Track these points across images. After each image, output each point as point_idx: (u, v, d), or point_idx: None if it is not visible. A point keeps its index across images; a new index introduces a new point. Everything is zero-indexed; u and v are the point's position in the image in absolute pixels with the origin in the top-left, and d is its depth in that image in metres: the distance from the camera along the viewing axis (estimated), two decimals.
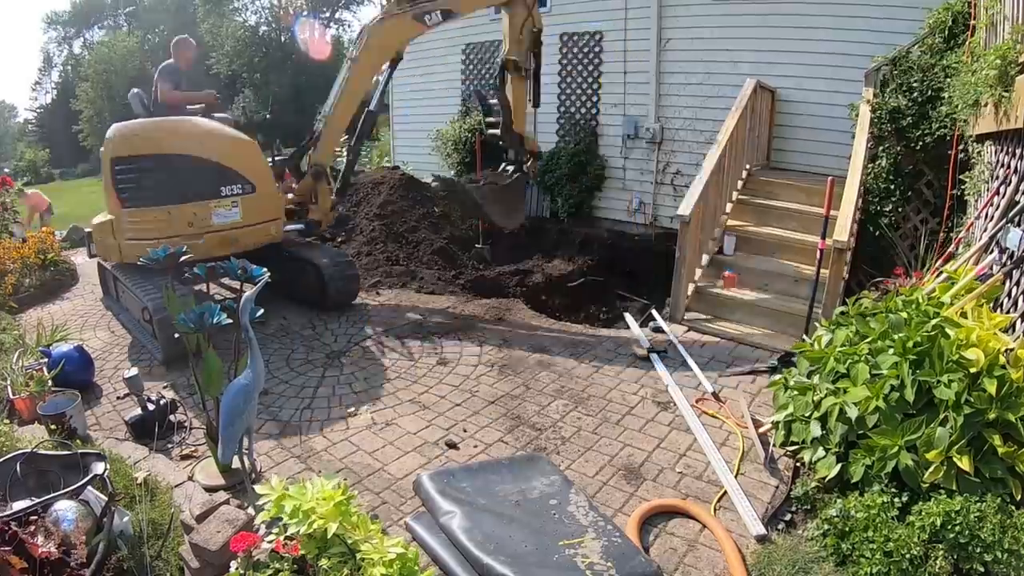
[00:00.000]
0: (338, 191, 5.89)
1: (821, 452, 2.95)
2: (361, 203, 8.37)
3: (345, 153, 5.99)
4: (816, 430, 3.01)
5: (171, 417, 3.63)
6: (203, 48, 23.89)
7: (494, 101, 5.78)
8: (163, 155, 4.53)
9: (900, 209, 5.30)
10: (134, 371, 3.70)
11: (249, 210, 4.86)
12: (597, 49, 8.19)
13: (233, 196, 4.71)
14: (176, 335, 3.61)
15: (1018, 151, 3.47)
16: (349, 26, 28.47)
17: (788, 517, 2.85)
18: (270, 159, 5.68)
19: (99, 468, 2.63)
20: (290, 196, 5.63)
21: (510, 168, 6.13)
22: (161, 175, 4.47)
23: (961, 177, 4.46)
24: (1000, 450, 2.51)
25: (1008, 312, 3.20)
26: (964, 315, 3.03)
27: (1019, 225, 3.26)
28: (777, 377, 3.63)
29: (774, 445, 3.31)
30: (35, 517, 2.32)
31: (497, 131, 5.85)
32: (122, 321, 5.21)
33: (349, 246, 7.39)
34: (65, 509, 2.40)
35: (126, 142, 4.66)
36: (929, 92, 5.02)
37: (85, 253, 7.29)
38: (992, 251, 3.45)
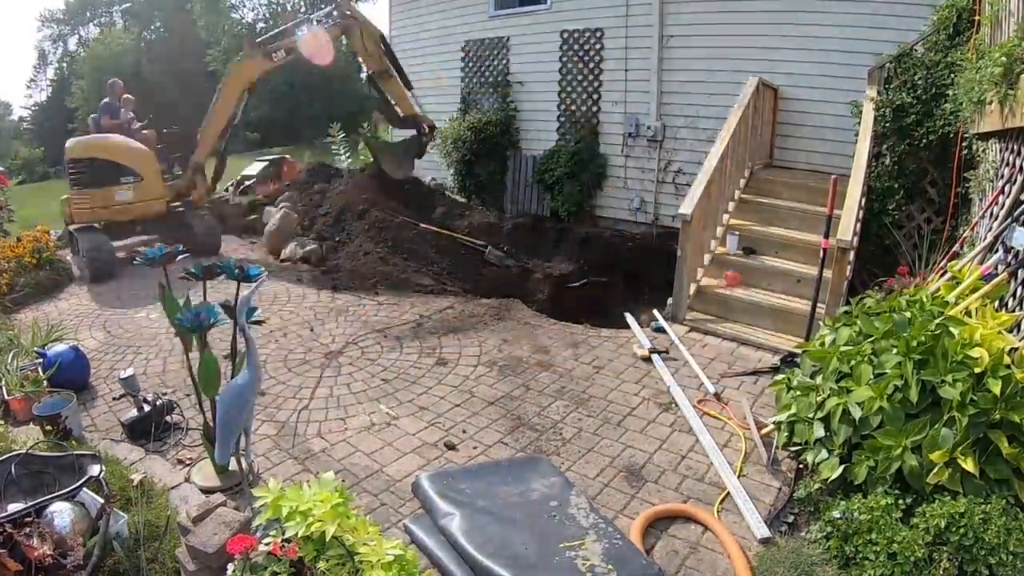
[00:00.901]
0: (213, 180, 8.20)
1: (824, 453, 2.92)
2: (359, 201, 8.31)
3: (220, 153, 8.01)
4: (819, 431, 2.98)
5: (167, 418, 3.61)
6: (199, 45, 23.81)
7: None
8: (91, 157, 6.99)
9: (904, 207, 5.26)
10: (130, 371, 3.68)
11: (137, 192, 7.20)
12: (598, 47, 8.14)
13: (127, 183, 7.11)
14: (100, 262, 6.64)
15: (1023, 149, 3.45)
16: None
17: (791, 519, 2.83)
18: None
19: (95, 469, 2.61)
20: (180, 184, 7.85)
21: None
22: (90, 170, 6.93)
23: (966, 175, 4.43)
24: (1005, 451, 2.48)
25: (1013, 311, 3.17)
26: (969, 314, 3.00)
27: None
28: (780, 377, 3.60)
29: (777, 446, 3.28)
30: (30, 519, 2.30)
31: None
32: (79, 267, 7.15)
33: (348, 245, 7.34)
34: (60, 511, 2.38)
35: (74, 150, 7.14)
36: (933, 89, 4.98)
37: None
38: (997, 250, 3.41)
